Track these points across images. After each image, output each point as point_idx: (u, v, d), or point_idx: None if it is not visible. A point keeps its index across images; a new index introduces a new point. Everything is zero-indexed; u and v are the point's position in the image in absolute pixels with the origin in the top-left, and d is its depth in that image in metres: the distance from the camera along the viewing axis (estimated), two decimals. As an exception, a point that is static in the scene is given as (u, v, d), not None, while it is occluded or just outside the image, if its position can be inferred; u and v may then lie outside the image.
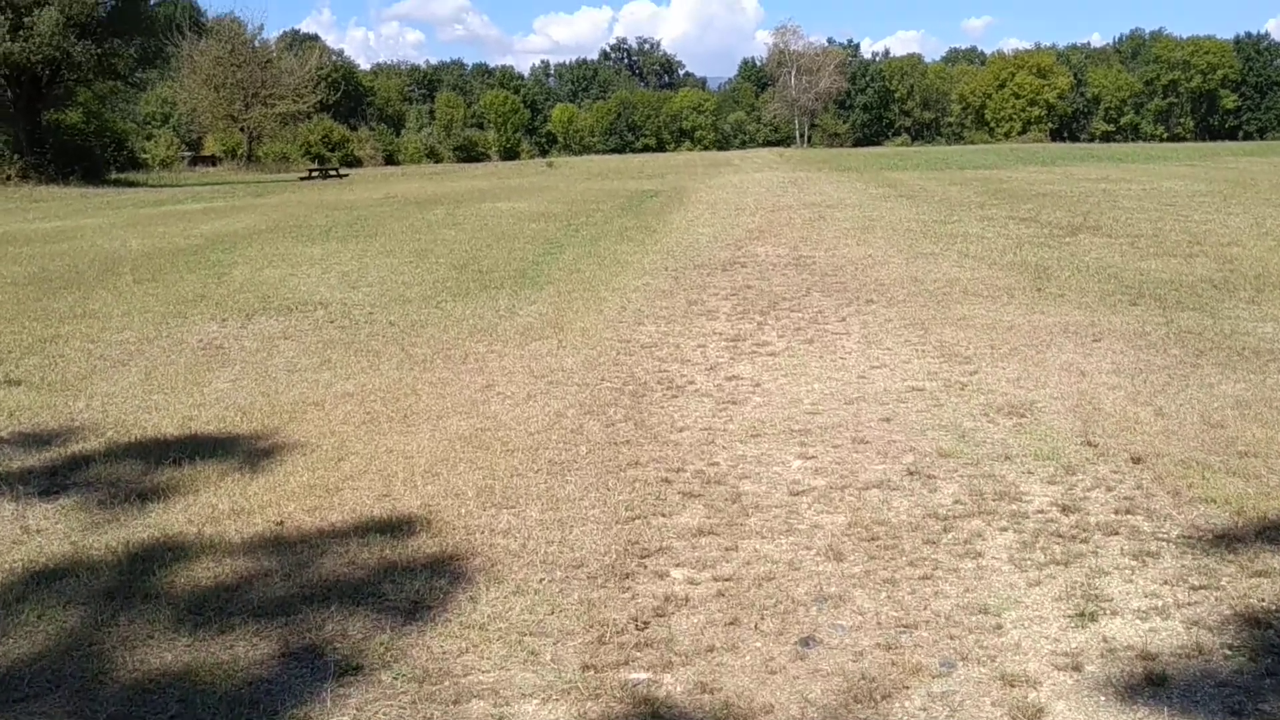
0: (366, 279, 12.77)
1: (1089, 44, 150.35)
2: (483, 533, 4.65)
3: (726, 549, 4.41)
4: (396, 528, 4.73)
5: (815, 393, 6.96)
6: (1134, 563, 4.12)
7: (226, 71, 68.86)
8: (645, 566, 4.26)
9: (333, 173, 51.27)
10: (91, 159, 45.93)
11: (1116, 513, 4.65)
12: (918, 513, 4.73)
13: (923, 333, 8.60)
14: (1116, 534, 4.41)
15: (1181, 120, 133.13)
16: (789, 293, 10.87)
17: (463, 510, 4.93)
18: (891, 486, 5.12)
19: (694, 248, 14.75)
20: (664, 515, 4.83)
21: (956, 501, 4.86)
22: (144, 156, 72.64)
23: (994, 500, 4.86)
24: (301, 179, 48.81)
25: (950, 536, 4.44)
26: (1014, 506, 4.77)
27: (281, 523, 4.84)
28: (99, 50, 41.59)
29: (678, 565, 4.28)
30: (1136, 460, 5.33)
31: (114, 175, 47.26)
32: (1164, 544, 4.29)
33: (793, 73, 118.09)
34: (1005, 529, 4.51)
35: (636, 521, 4.75)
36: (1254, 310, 9.25)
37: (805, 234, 15.71)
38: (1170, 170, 32.65)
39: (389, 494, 5.20)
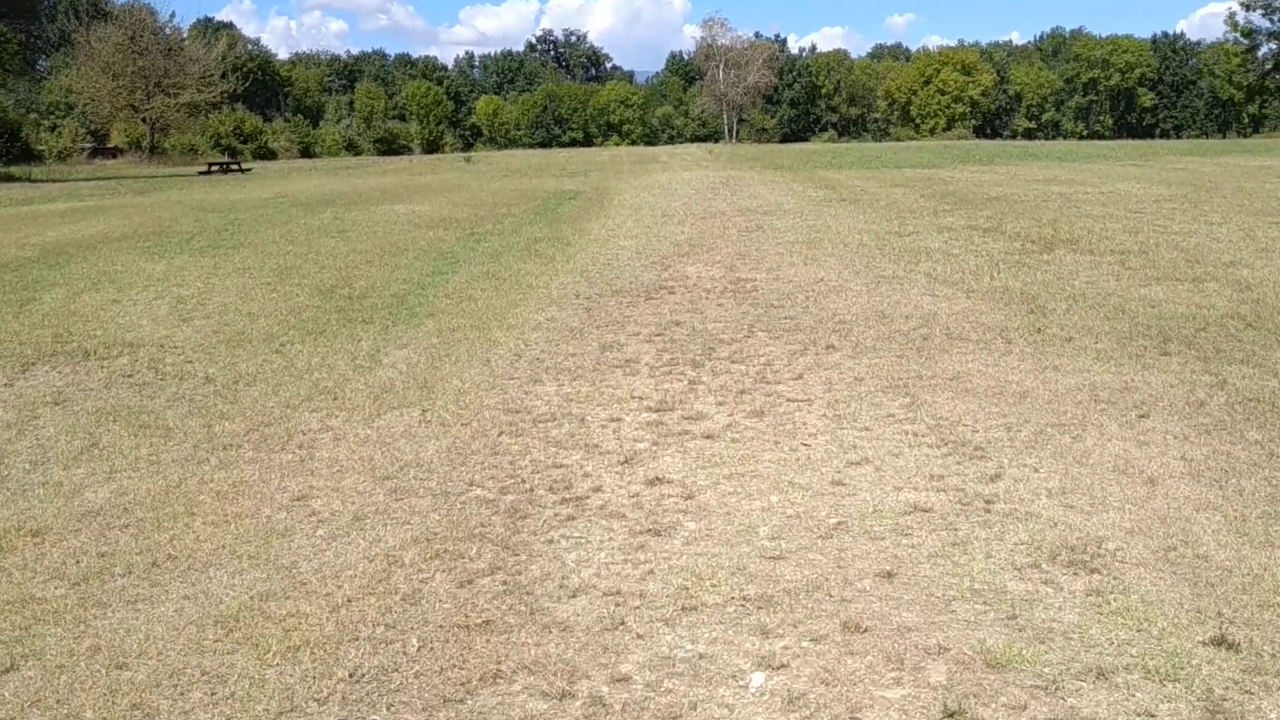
0: (205, 308, 10.31)
1: (1010, 42, 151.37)
2: None
3: None
4: None
5: (774, 513, 4.76)
6: None
7: (127, 59, 64.91)
8: None
9: (234, 167, 48.08)
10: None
11: None
12: None
13: (908, 401, 6.44)
14: None
15: (1101, 118, 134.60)
16: (728, 332, 8.67)
17: None
18: (929, 764, 2.94)
19: (613, 266, 12.49)
20: None
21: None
22: (39, 149, 68.49)
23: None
24: (200, 173, 45.65)
25: None
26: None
27: None
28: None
29: None
30: (1325, 692, 3.21)
31: (-7, 169, 43.59)
32: None
33: (721, 66, 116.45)
34: None
35: None
36: (1317, 362, 7.26)
37: (742, 248, 13.52)
38: (1118, 171, 31.15)
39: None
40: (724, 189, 25.43)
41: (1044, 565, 4.14)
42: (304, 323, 9.50)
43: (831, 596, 3.95)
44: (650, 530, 4.63)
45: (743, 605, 3.90)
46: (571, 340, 8.56)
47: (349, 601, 4.02)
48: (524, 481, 5.33)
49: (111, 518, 4.95)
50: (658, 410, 6.51)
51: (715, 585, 4.07)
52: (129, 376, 7.69)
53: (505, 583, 4.15)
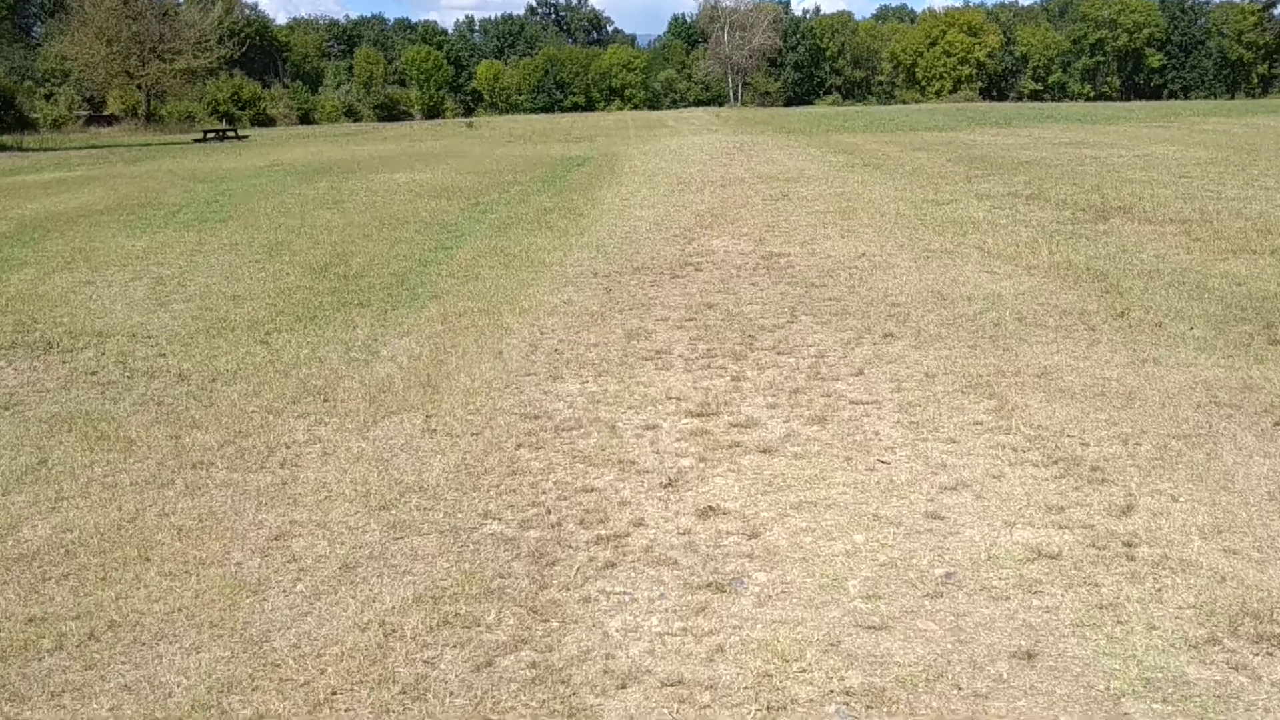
0: (186, 289, 9.37)
1: (1016, 2, 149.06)
2: None
3: None
4: None
5: (863, 559, 3.85)
6: None
7: (120, 24, 63.48)
8: None
9: (230, 134, 46.91)
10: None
11: None
12: None
13: (995, 405, 5.50)
14: None
15: (1108, 79, 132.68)
16: (767, 316, 7.72)
17: None
18: None
19: (632, 239, 11.51)
20: None
21: None
22: (34, 116, 67.20)
23: None
24: (195, 141, 44.51)
25: None
26: None
27: None
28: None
29: None
30: None
31: (-18, 137, 42.41)
32: None
33: (725, 29, 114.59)
34: None
35: None
36: None
37: (770, 219, 12.52)
38: (1146, 133, 29.99)
39: None
40: (739, 154, 24.34)
41: (1226, 640, 3.22)
42: (294, 307, 8.56)
43: (961, 690, 3.03)
44: (711, 584, 3.72)
45: (846, 703, 2.99)
46: (593, 327, 7.61)
47: (333, 695, 3.11)
48: (549, 511, 4.41)
49: (49, 565, 4.05)
50: (700, 415, 5.58)
51: (805, 671, 3.15)
52: (93, 374, 6.76)
53: (533, 665, 3.24)
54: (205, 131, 46.98)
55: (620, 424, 5.51)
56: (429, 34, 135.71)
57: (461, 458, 5.05)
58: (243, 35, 79.30)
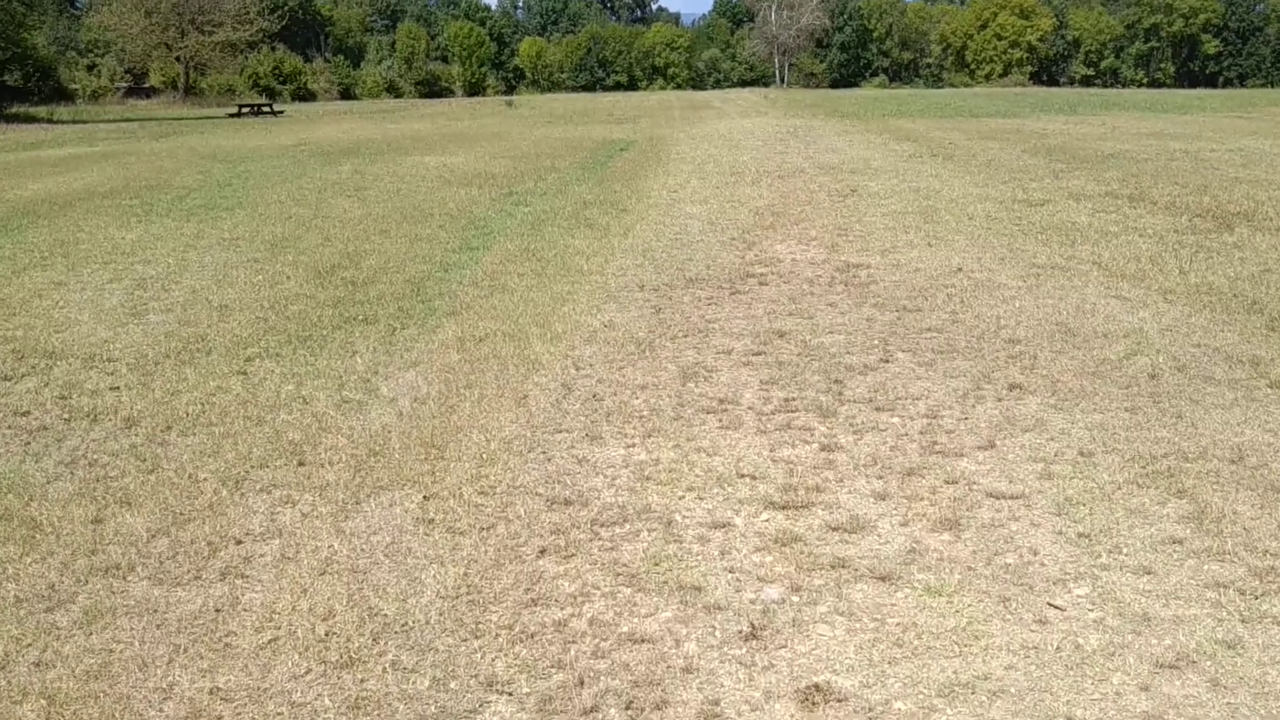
0: (168, 295, 8.08)
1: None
2: None
3: None
4: None
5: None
6: None
7: (161, -6, 62.59)
8: None
9: (265, 109, 45.81)
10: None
11: None
12: None
13: (1189, 508, 4.05)
14: None
15: (1162, 65, 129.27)
16: (854, 351, 6.29)
17: None
18: None
19: (682, 242, 10.09)
20: None
21: None
22: (73, 87, 66.53)
23: None
24: (230, 116, 43.47)
25: None
26: None
27: None
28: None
29: None
30: None
31: (13, 109, 41.56)
32: None
33: (773, 8, 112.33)
34: None
35: None
36: None
37: (840, 220, 11.04)
38: (1228, 124, 28.06)
39: None
40: (794, 140, 22.78)
41: None
42: (287, 322, 7.24)
43: None
44: None
45: None
46: (639, 360, 6.23)
47: None
48: (580, 681, 3.05)
49: None
50: (785, 506, 4.19)
51: None
52: (24, 415, 5.46)
53: None
54: (240, 106, 45.94)
55: (679, 518, 4.14)
56: (472, 10, 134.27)
57: (464, 572, 3.70)
58: (285, 9, 78.39)
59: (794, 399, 5.49)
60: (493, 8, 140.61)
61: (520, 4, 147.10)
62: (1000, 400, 5.35)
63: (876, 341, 6.48)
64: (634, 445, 4.91)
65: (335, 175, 16.35)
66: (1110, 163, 16.59)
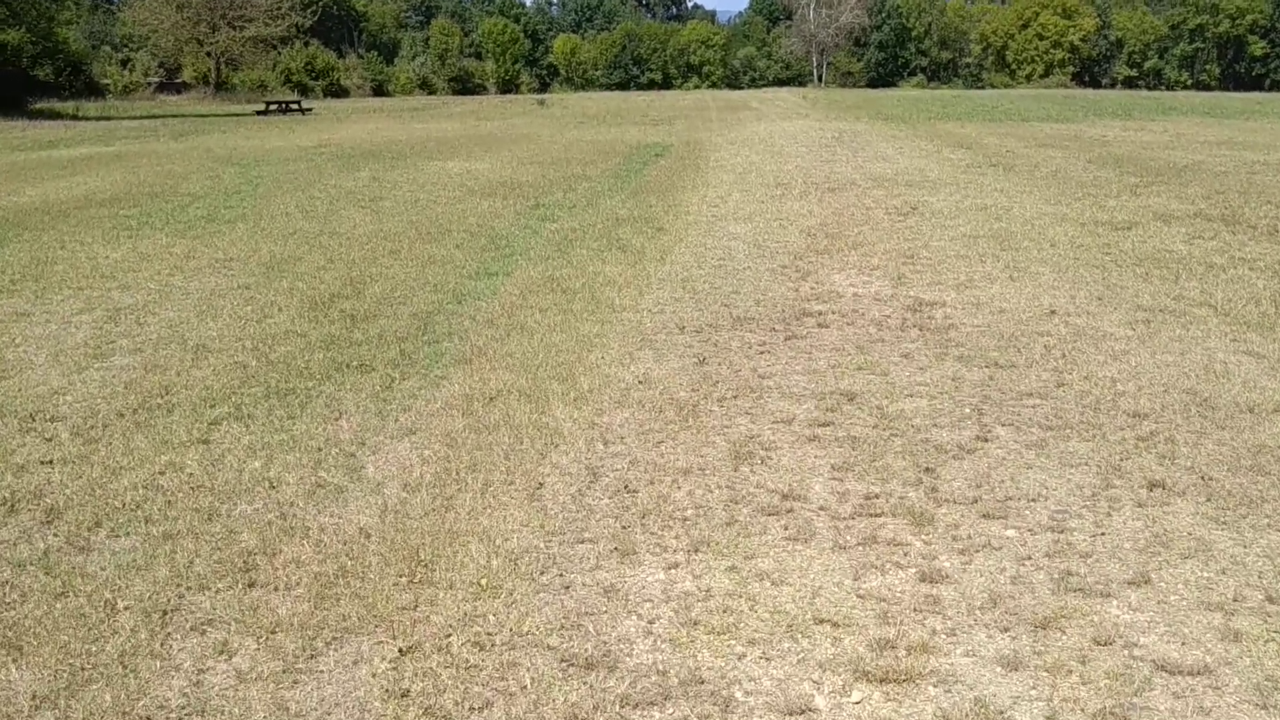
0: (141, 331, 7.07)
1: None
2: None
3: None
4: None
5: None
6: None
7: (193, -12, 62.04)
8: None
9: (294, 107, 45.02)
10: (7, 87, 39.51)
11: None
12: None
13: None
14: None
15: (1207, 66, 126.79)
16: (943, 424, 5.16)
17: None
18: None
19: (727, 269, 8.97)
20: None
21: None
22: (104, 82, 66.14)
23: None
24: (257, 113, 42.71)
25: None
26: None
27: None
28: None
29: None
30: None
31: (39, 104, 40.96)
32: None
33: (811, 6, 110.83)
34: None
35: None
36: None
37: (904, 244, 9.86)
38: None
39: None
40: (840, 147, 21.57)
41: None
42: (268, 369, 6.19)
43: None
44: None
45: None
46: (681, 432, 5.13)
47: None
48: None
49: None
50: (883, 680, 3.10)
51: None
52: (-79, 502, 4.43)
53: None
54: (267, 103, 45.16)
55: (739, 695, 3.05)
56: (507, 6, 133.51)
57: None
58: (319, 4, 77.76)
59: (876, 495, 4.37)
60: (527, 4, 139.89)
61: (555, 1, 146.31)
62: (1141, 506, 4.21)
63: (969, 410, 5.34)
64: (677, 565, 3.82)
65: (351, 182, 15.33)
66: (1188, 176, 15.31)
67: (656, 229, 10.92)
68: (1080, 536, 3.97)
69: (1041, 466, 4.63)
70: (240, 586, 3.71)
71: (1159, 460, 4.64)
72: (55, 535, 4.14)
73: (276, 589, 3.69)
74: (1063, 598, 3.54)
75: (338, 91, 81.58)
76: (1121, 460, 4.65)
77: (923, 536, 4.00)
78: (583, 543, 4.01)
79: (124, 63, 76.62)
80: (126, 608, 3.58)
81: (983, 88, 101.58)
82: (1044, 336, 6.58)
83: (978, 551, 3.88)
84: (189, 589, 3.70)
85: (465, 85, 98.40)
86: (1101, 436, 4.93)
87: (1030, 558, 3.82)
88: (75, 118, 37.70)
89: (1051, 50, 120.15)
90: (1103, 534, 3.99)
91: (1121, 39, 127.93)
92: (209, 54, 65.70)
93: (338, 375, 6.09)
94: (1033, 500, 4.29)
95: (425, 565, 3.81)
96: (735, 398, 5.64)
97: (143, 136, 27.51)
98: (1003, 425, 5.13)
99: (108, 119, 37.98)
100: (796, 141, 23.24)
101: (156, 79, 74.21)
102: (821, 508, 4.28)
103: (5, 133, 29.36)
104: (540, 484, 4.52)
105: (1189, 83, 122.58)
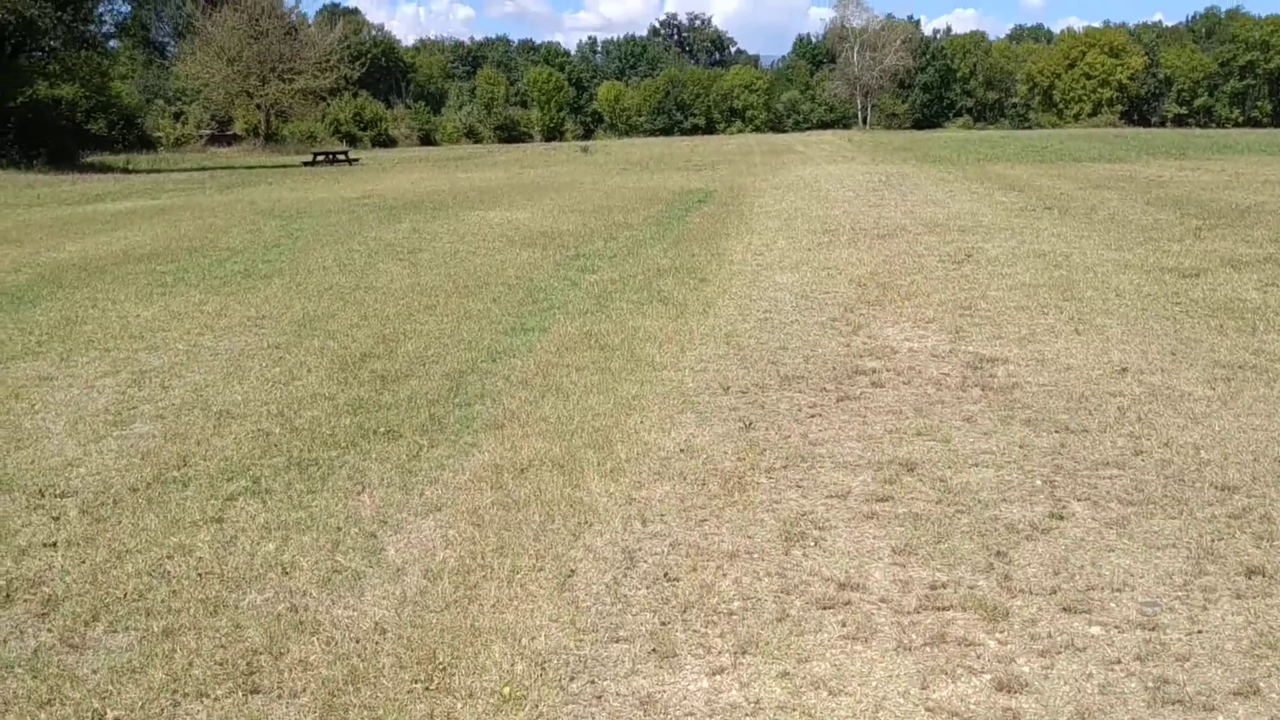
0: (165, 396, 6.82)
1: (1159, 22, 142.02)
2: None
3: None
4: None
5: None
6: None
7: (243, 43, 63.11)
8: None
9: (340, 158, 45.45)
10: (60, 140, 40.26)
11: None
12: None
13: None
14: None
15: (1259, 103, 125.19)
16: (1013, 501, 4.73)
17: None
18: None
19: (773, 323, 8.60)
20: None
21: None
22: (156, 135, 67.41)
23: None
24: (305, 164, 43.15)
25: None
26: None
27: None
28: (61, 15, 35.74)
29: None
30: None
31: (90, 158, 41.65)
32: None
33: (855, 49, 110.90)
34: None
35: None
36: None
37: (961, 294, 9.44)
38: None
39: None
40: (887, 190, 21.18)
41: None
42: (291, 436, 5.90)
43: None
44: None
45: None
46: (726, 509, 4.74)
47: None
48: None
49: None
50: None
51: None
52: (-86, 591, 4.15)
53: None
54: (315, 154, 45.67)
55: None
56: (551, 55, 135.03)
57: None
58: (367, 56, 78.96)
59: (943, 583, 3.95)
60: (571, 53, 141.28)
61: (599, 49, 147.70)
62: (1240, 598, 3.76)
63: (1040, 483, 4.91)
64: (722, 670, 3.42)
65: (391, 234, 15.18)
66: (1251, 218, 14.74)
67: (699, 279, 10.57)
68: (1174, 635, 3.53)
69: (1124, 549, 4.18)
70: (241, 693, 3.37)
71: (1255, 541, 4.18)
72: (49, 631, 3.83)
73: (280, 696, 3.35)
74: (1159, 711, 3.10)
75: (385, 141, 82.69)
76: (1213, 541, 4.20)
77: (997, 635, 3.58)
78: (617, 642, 3.63)
79: (176, 116, 78.09)
80: (116, 718, 3.25)
81: (1030, 128, 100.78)
82: (1117, 397, 6.12)
83: (1059, 653, 3.45)
84: (185, 696, 3.36)
85: (510, 133, 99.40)
86: (1189, 513, 4.48)
87: (1120, 661, 3.39)
88: (126, 171, 38.27)
89: (1099, 89, 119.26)
90: (1200, 631, 3.54)
91: (1170, 76, 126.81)
92: (259, 106, 66.77)
93: (363, 443, 5.78)
94: (1117, 590, 3.85)
95: (443, 669, 3.45)
96: (784, 468, 5.25)
97: (190, 189, 27.75)
98: (1078, 500, 4.69)
99: (157, 171, 38.52)
100: (843, 185, 22.88)
101: (208, 131, 75.58)
102: (882, 599, 3.87)
103: (55, 186, 29.78)
104: (572, 570, 4.16)
105: (1240, 120, 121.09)
